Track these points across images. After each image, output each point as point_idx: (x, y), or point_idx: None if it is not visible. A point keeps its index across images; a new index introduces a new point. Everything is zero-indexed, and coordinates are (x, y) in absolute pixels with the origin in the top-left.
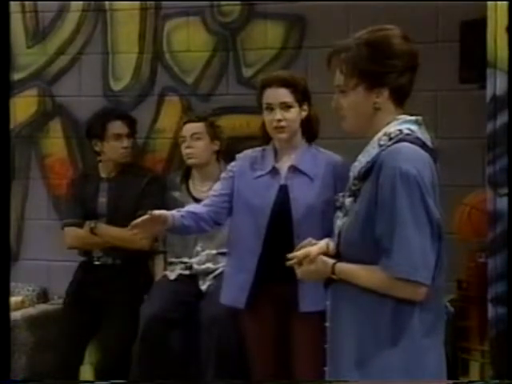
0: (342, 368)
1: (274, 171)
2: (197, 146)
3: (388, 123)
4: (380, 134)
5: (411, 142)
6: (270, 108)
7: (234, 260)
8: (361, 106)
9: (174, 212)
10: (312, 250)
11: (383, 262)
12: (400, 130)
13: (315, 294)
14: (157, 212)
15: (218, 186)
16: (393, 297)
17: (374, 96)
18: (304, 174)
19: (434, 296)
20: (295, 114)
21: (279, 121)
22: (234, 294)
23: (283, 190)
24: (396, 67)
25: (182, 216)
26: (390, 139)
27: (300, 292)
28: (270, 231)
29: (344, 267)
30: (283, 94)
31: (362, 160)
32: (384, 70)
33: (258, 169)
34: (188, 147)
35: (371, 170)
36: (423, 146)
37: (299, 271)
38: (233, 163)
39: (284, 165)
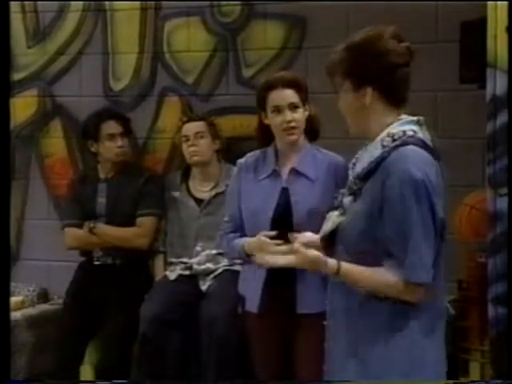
0: (338, 366)
1: (275, 174)
2: (201, 144)
3: (390, 123)
4: (383, 134)
5: (416, 145)
6: (278, 110)
7: (246, 264)
8: (351, 106)
9: None
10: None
11: (392, 266)
12: (403, 132)
13: (314, 296)
14: None
15: (228, 210)
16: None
17: (360, 96)
18: (305, 176)
19: (432, 296)
20: (302, 115)
21: (290, 122)
22: (248, 298)
23: (284, 193)
24: (378, 67)
25: None
26: (394, 140)
27: (298, 294)
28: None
29: (350, 267)
30: (290, 95)
31: (364, 160)
32: (365, 71)
33: (261, 171)
34: (192, 145)
35: (375, 170)
36: (426, 147)
37: (298, 259)
38: (236, 170)
39: (285, 167)
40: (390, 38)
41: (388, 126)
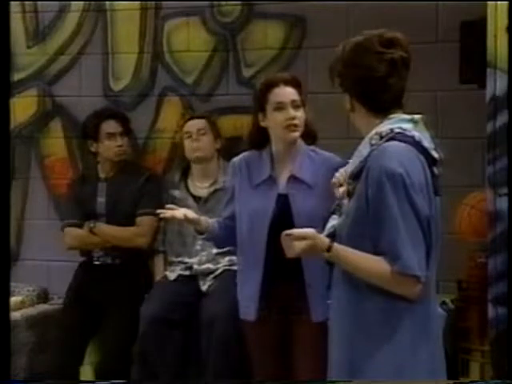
0: (334, 366)
1: (271, 180)
2: (203, 140)
3: (380, 123)
4: (372, 133)
5: (401, 141)
6: (280, 107)
7: (243, 270)
8: (346, 106)
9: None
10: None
11: (384, 261)
12: (391, 129)
13: (325, 304)
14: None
15: (224, 211)
16: (383, 295)
17: (347, 98)
18: (304, 182)
19: (423, 293)
20: (302, 114)
21: (293, 118)
22: (244, 306)
23: (282, 200)
24: (353, 78)
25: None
26: (381, 138)
27: (312, 302)
28: (271, 241)
29: (343, 248)
30: (292, 93)
31: (355, 160)
32: (343, 78)
33: (256, 175)
34: (195, 140)
35: (363, 169)
36: (415, 143)
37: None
38: (230, 172)
39: (283, 173)
40: (380, 46)
41: (377, 125)
